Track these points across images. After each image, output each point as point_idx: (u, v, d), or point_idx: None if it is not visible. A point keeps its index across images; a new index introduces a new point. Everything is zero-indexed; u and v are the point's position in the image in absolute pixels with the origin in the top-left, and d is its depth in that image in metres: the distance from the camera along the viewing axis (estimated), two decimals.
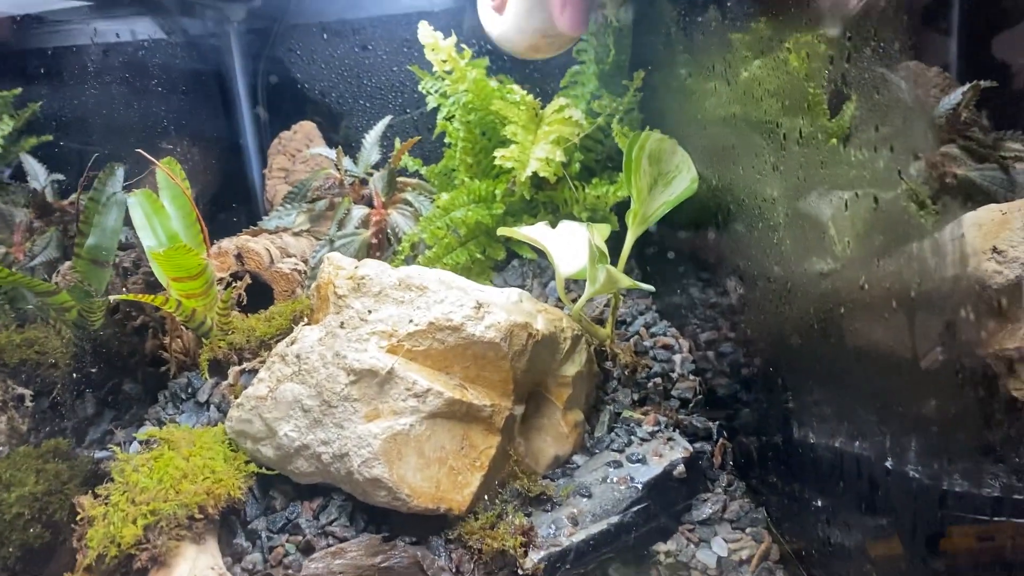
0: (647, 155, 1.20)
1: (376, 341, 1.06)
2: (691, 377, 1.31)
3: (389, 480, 1.00)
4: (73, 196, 1.52)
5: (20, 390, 1.12)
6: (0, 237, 1.46)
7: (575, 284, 1.39)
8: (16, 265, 1.37)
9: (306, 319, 1.15)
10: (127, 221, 1.19)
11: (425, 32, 1.51)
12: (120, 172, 1.21)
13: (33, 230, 1.48)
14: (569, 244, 1.26)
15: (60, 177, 1.47)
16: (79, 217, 1.18)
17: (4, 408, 1.09)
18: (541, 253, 1.41)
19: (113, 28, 1.78)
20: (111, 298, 1.09)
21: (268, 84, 1.85)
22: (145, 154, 1.15)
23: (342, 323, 1.09)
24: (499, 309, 1.08)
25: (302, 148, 1.74)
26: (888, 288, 0.83)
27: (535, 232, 1.28)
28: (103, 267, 1.16)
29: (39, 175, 1.53)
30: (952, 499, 0.77)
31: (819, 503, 1.01)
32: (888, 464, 0.88)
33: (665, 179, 1.21)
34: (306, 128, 1.78)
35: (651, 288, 1.14)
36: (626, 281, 1.11)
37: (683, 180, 1.20)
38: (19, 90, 1.69)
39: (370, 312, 1.09)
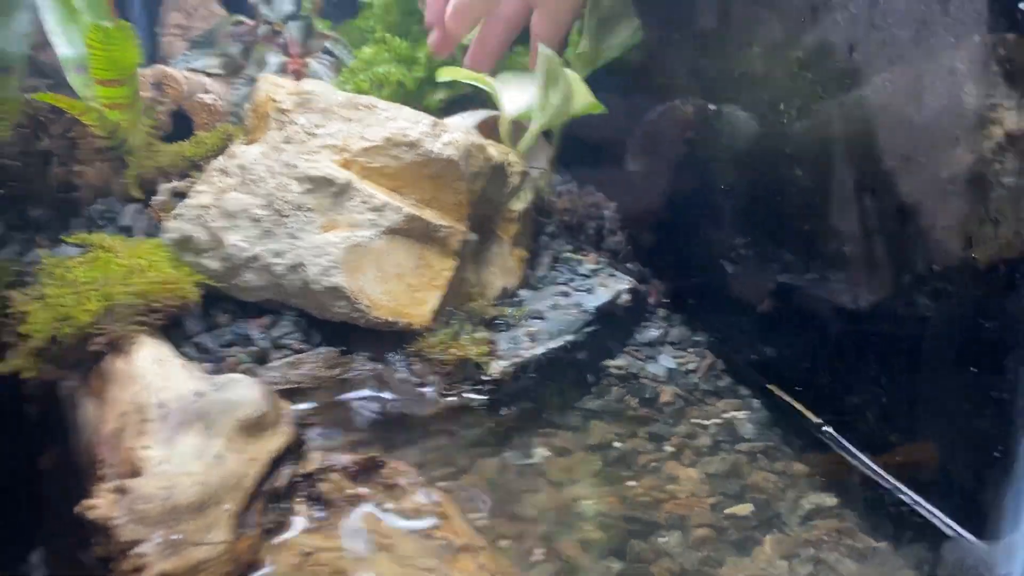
0: None
1: (327, 154, 1.02)
2: (619, 233, 1.34)
3: (349, 290, 0.97)
4: None
5: None
6: None
7: None
8: None
9: (242, 140, 1.08)
10: None
11: None
12: None
13: None
14: (511, 88, 1.25)
15: None
16: None
17: None
18: None
19: None
20: (28, 96, 0.98)
21: None
22: None
23: (287, 138, 1.03)
24: (456, 129, 1.06)
25: (199, 6, 1.62)
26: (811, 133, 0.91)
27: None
28: (7, 73, 1.04)
29: None
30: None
31: (759, 325, 1.08)
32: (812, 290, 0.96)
33: (608, 24, 1.22)
34: None
35: (605, 109, 1.16)
36: (583, 97, 1.12)
37: (627, 27, 1.22)
38: None
39: (317, 127, 1.04)
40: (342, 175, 1.00)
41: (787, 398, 0.98)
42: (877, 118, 0.83)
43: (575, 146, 1.40)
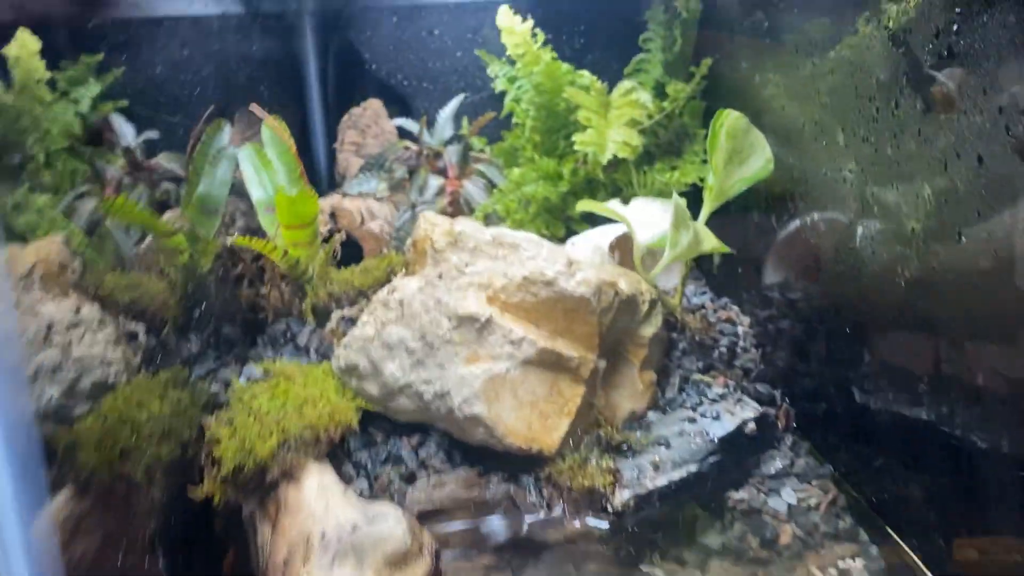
0: (725, 131, 1.27)
1: (474, 292, 1.14)
2: (752, 350, 1.38)
3: (487, 418, 1.07)
4: (161, 156, 1.59)
5: (132, 326, 1.19)
6: (93, 191, 1.53)
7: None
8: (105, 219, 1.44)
9: (403, 271, 1.22)
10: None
11: (504, 16, 1.58)
12: (227, 129, 1.28)
13: (122, 186, 1.55)
14: (644, 217, 1.33)
15: (154, 135, 1.54)
16: (189, 168, 1.25)
17: (119, 341, 1.15)
18: None
19: (191, 2, 1.86)
20: (227, 239, 1.16)
21: (338, 62, 1.93)
22: (256, 109, 1.22)
23: (440, 275, 1.16)
24: (589, 268, 1.15)
25: (371, 124, 1.81)
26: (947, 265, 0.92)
27: (612, 205, 1.35)
28: (212, 215, 1.23)
29: (128, 134, 1.60)
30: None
31: (885, 461, 1.09)
32: (945, 428, 0.96)
33: (740, 156, 1.28)
34: (374, 105, 1.85)
35: (732, 251, 1.22)
36: (711, 242, 1.18)
37: (758, 159, 1.27)
38: (101, 56, 1.77)
39: (467, 265, 1.16)
40: (485, 311, 1.11)
41: (905, 547, 0.99)
42: (1011, 252, 0.83)
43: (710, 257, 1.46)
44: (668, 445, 1.14)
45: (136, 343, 1.18)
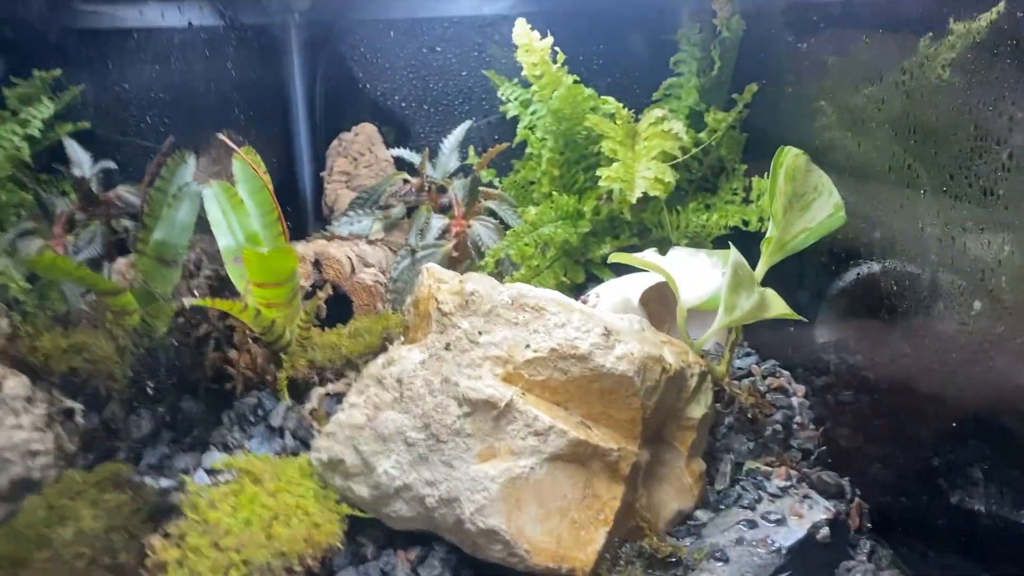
0: (783, 172, 1.06)
1: (490, 368, 0.92)
2: (810, 426, 1.18)
3: (506, 533, 0.86)
4: (120, 188, 1.38)
5: (68, 403, 0.98)
6: (38, 228, 1.31)
7: None
8: None
9: (401, 337, 1.00)
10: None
11: (521, 31, 1.38)
12: (192, 161, 1.07)
13: (75, 222, 1.33)
14: (688, 272, 1.13)
15: (111, 165, 1.32)
16: (144, 209, 1.04)
17: (50, 423, 0.93)
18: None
19: (162, 11, 1.65)
20: (185, 301, 0.95)
21: (328, 81, 1.71)
22: (227, 140, 1.01)
23: (448, 345, 0.95)
24: (630, 338, 0.94)
25: (364, 152, 1.60)
26: None
27: (652, 259, 1.15)
28: (170, 266, 1.02)
29: (83, 162, 1.39)
30: None
31: None
32: None
33: (801, 201, 1.08)
34: (368, 131, 1.64)
35: (804, 319, 1.01)
36: (779, 308, 0.98)
37: (823, 206, 1.07)
38: (59, 72, 1.56)
39: (480, 334, 0.95)
40: (504, 394, 0.90)
41: None
42: None
43: None
44: (726, 559, 0.93)
45: (72, 424, 0.96)
